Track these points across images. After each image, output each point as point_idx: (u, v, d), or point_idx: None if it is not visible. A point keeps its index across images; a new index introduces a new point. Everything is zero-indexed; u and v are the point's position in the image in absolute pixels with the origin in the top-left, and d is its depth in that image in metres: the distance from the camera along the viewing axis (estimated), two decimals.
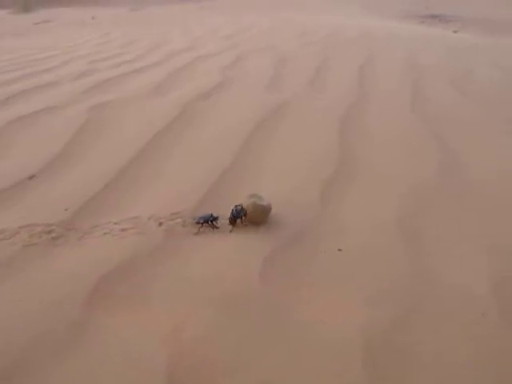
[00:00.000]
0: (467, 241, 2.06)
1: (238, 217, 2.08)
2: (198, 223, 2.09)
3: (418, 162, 2.87)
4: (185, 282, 1.77)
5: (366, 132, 3.34)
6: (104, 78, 4.96)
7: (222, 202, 2.32)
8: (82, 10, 22.20)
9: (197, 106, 3.93)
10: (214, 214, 2.09)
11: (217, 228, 2.09)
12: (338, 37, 8.37)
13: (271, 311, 1.64)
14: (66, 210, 2.25)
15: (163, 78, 4.95)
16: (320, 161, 2.85)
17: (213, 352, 1.45)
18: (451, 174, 2.68)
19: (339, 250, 1.97)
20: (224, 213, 2.16)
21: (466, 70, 5.70)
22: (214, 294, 1.70)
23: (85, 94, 4.33)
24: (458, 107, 4.04)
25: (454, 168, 2.76)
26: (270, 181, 2.60)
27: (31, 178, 2.60)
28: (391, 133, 3.36)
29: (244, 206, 2.08)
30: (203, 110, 3.84)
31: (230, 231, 2.08)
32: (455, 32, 12.14)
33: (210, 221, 2.08)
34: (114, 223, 2.15)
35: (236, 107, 3.94)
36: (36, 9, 22.97)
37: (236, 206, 2.09)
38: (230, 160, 2.85)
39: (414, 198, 2.42)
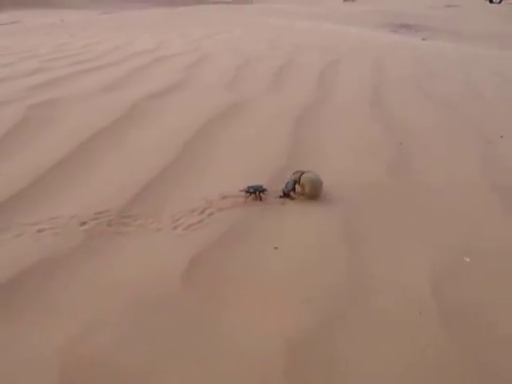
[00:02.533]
0: (411, 241, 1.96)
1: (291, 190, 2.15)
2: (247, 192, 2.12)
3: (368, 161, 2.79)
4: (98, 286, 1.60)
5: (320, 133, 3.24)
6: (55, 75, 4.73)
7: (154, 201, 2.16)
8: (53, 12, 21.67)
9: (147, 105, 3.75)
10: (264, 186, 2.16)
11: (260, 201, 2.14)
12: (306, 41, 8.37)
13: (191, 315, 1.49)
14: None
15: (118, 76, 4.75)
16: (267, 160, 2.72)
17: (120, 359, 1.29)
18: (400, 176, 2.59)
19: (275, 248, 1.84)
20: (159, 211, 2.02)
21: (429, 73, 5.74)
22: (130, 298, 1.54)
23: (31, 91, 4.08)
24: (418, 109, 4.00)
25: (403, 170, 2.68)
26: (212, 179, 2.46)
27: None
28: (345, 134, 3.27)
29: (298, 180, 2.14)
30: (153, 109, 3.67)
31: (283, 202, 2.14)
32: (424, 39, 12.40)
33: (258, 191, 2.12)
34: (31, 224, 1.95)
35: (189, 106, 3.79)
36: (6, 10, 22.26)
37: (287, 181, 2.18)
38: (171, 158, 2.69)
39: (361, 197, 2.32)
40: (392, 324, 1.48)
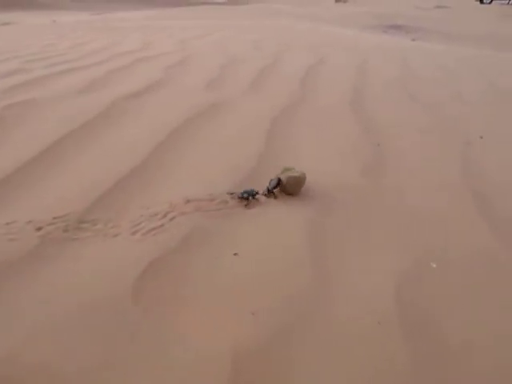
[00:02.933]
0: (378, 246, 1.90)
1: (275, 188, 2.21)
2: (242, 198, 2.14)
3: (343, 162, 2.73)
4: (47, 294, 1.53)
5: (296, 134, 3.18)
6: (34, 76, 4.63)
7: (116, 204, 2.08)
8: (45, 14, 21.60)
9: (125, 105, 3.67)
10: (255, 190, 2.19)
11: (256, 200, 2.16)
12: (294, 42, 8.32)
13: (140, 324, 1.42)
14: None
15: (98, 76, 4.67)
16: (239, 162, 2.65)
17: (62, 367, 1.23)
18: (374, 178, 2.53)
19: (235, 254, 1.77)
20: (120, 215, 1.95)
21: (415, 75, 5.70)
22: (78, 305, 1.47)
23: (6, 91, 3.99)
24: (400, 111, 3.95)
25: (378, 171, 2.62)
26: (179, 181, 2.38)
27: None
28: (323, 135, 3.21)
29: (281, 179, 2.20)
30: (131, 109, 3.59)
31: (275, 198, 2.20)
32: (413, 40, 12.40)
33: (252, 196, 2.15)
34: None
35: (167, 106, 3.72)
36: None
37: (271, 179, 2.23)
38: (141, 159, 2.61)
39: (331, 199, 2.26)
40: (350, 335, 1.42)
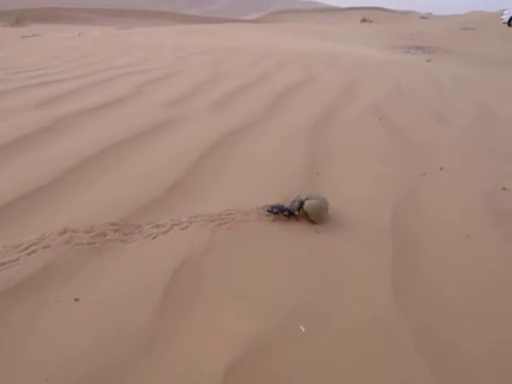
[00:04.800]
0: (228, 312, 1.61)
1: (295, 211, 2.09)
2: (271, 212, 2.08)
3: (264, 194, 2.45)
4: None
5: (231, 158, 2.92)
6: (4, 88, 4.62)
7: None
8: (74, 27, 22.47)
9: (72, 121, 3.54)
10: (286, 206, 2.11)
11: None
12: (290, 58, 8.14)
13: None
14: None
15: (67, 91, 4.60)
16: (153, 184, 2.43)
17: None
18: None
19: (76, 299, 1.52)
20: None
21: (401, 96, 5.37)
22: None
23: None
24: (364, 137, 3.64)
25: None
26: (70, 208, 2.17)
27: None
28: (257, 160, 2.95)
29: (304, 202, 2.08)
30: (76, 125, 3.46)
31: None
32: (428, 61, 11.99)
33: (282, 211, 2.08)
34: None
35: (114, 123, 3.56)
36: (28, 24, 23.19)
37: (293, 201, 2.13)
38: (46, 181, 2.43)
39: (227, 233, 1.99)
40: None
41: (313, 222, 2.10)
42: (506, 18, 21.81)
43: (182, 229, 2.02)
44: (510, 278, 1.76)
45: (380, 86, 5.91)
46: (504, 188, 2.63)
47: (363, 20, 30.66)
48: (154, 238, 1.94)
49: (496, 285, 1.71)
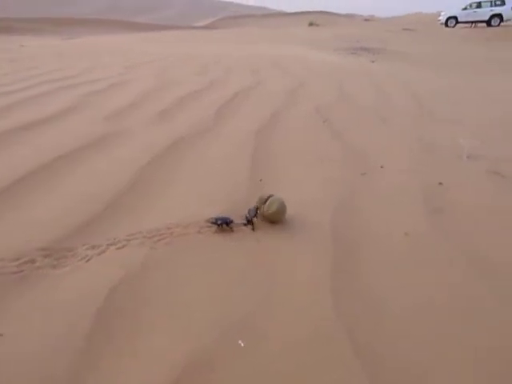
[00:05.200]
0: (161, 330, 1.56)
1: (253, 216, 2.11)
2: (214, 223, 2.06)
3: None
4: None
5: (170, 169, 2.86)
6: None
7: None
8: (17, 38, 21.37)
9: (4, 138, 3.34)
10: (230, 218, 2.09)
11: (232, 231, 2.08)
12: (239, 64, 8.16)
13: None
14: None
15: (1, 106, 4.34)
16: (91, 199, 2.32)
17: None
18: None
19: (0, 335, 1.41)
20: None
21: (344, 96, 5.52)
22: None
23: None
24: (309, 134, 3.70)
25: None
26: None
27: None
28: (203, 166, 2.91)
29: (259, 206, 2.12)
30: (15, 140, 3.27)
31: (252, 229, 2.09)
32: (372, 62, 12.44)
33: (225, 223, 2.06)
34: None
35: (53, 139, 3.38)
36: None
37: (249, 209, 2.14)
38: None
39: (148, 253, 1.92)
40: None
41: (274, 222, 2.13)
42: (442, 19, 23.09)
43: (118, 248, 1.93)
44: (448, 276, 1.81)
45: (324, 89, 6.04)
46: (440, 183, 2.74)
47: (310, 24, 31.44)
48: (88, 261, 1.84)
49: (435, 283, 1.75)
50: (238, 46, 15.44)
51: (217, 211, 2.22)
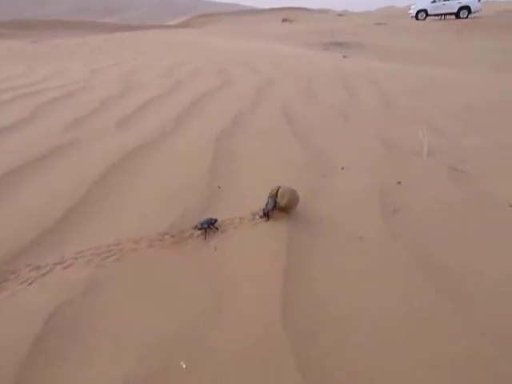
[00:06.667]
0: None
1: (271, 208, 2.16)
2: (200, 229, 2.07)
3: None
4: None
5: (127, 180, 2.78)
6: None
7: None
8: None
9: None
10: (214, 217, 2.14)
11: (217, 230, 2.11)
12: (208, 66, 8.08)
13: None
14: None
15: None
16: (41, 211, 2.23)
17: None
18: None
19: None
20: None
21: (311, 93, 5.52)
22: None
23: None
24: (270, 136, 3.67)
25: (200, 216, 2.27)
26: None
27: None
28: (160, 172, 2.85)
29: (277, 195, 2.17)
30: None
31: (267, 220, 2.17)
32: (345, 57, 12.52)
33: (211, 224, 2.09)
34: None
35: (5, 153, 3.25)
36: None
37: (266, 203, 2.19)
38: None
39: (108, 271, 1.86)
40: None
41: (288, 211, 2.20)
42: (413, 12, 23.45)
43: (64, 268, 1.86)
44: (397, 284, 1.81)
45: (292, 86, 6.03)
46: (399, 182, 2.75)
47: (284, 20, 31.48)
48: (30, 284, 1.76)
49: (383, 292, 1.74)
50: (209, 43, 15.29)
51: (169, 221, 2.17)
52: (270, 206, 2.16)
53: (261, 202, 2.42)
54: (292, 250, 1.97)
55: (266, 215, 2.17)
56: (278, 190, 2.19)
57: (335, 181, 2.77)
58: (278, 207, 2.17)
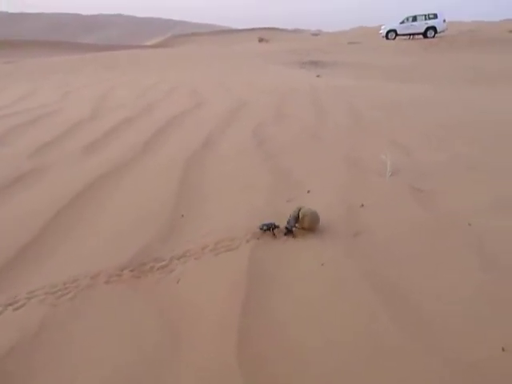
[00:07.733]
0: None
1: (293, 225, 2.35)
2: (264, 230, 2.32)
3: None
4: None
5: (90, 207, 2.75)
6: None
7: None
8: None
9: None
10: (276, 224, 2.37)
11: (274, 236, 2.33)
12: (182, 85, 8.12)
13: None
14: None
15: None
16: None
17: None
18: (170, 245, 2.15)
19: None
20: None
21: (281, 114, 5.60)
22: None
23: None
24: (238, 159, 3.69)
25: (171, 242, 2.24)
26: None
27: None
28: (124, 198, 2.81)
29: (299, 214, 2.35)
30: None
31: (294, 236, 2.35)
32: (318, 76, 12.79)
33: (271, 228, 2.34)
34: None
35: None
36: None
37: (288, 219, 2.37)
38: None
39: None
40: None
41: (311, 230, 2.36)
42: (383, 32, 24.28)
43: (16, 309, 1.79)
44: (355, 313, 1.81)
45: (264, 108, 6.09)
46: (362, 205, 2.79)
47: (261, 39, 32.10)
48: None
49: (340, 323, 1.74)
50: (184, 65, 15.40)
51: (129, 254, 2.13)
52: (292, 223, 2.34)
53: (226, 229, 2.41)
54: (253, 280, 1.95)
55: (290, 231, 2.34)
56: (299, 211, 2.36)
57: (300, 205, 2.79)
58: (301, 227, 2.35)
